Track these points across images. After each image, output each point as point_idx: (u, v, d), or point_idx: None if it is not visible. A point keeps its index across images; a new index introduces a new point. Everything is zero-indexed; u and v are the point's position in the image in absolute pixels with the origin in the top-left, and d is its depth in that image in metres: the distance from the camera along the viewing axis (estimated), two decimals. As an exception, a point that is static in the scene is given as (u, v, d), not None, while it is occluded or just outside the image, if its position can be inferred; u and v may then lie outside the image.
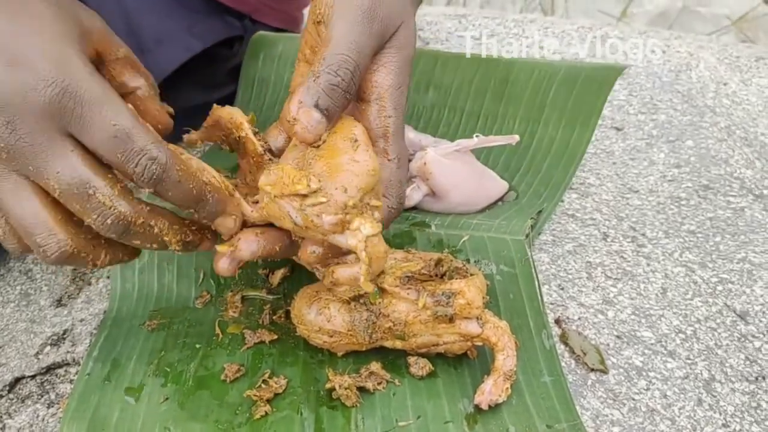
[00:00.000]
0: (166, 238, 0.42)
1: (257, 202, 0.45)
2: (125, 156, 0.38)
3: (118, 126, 0.38)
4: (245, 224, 0.46)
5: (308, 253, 0.45)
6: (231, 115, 0.48)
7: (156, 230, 0.41)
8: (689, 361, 0.52)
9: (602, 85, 0.68)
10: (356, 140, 0.43)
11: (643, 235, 0.62)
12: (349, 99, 0.44)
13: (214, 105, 0.51)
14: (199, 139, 0.51)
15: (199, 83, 0.71)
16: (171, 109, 0.50)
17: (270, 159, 0.48)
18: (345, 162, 0.42)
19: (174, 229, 0.42)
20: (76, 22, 0.42)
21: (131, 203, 0.40)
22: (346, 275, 0.45)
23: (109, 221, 0.40)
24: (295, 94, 0.43)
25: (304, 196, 0.41)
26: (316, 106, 0.42)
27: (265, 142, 0.48)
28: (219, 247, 0.46)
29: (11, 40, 0.38)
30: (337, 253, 0.45)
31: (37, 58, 0.38)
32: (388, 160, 0.46)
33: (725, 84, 0.82)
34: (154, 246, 0.42)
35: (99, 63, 0.45)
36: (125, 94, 0.47)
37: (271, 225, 0.46)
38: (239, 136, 0.48)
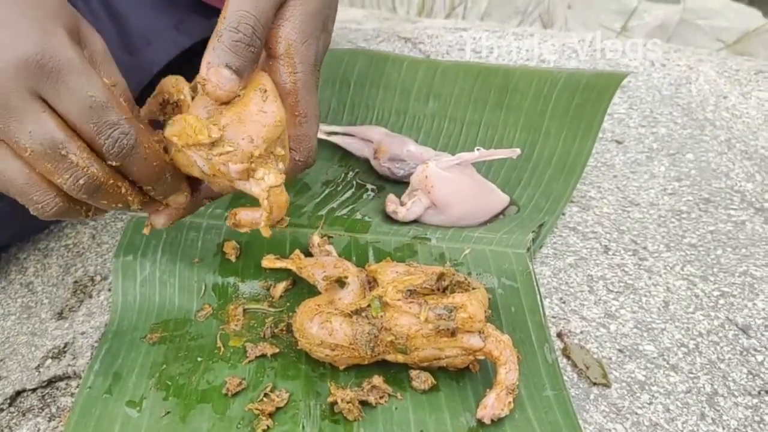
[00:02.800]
0: (129, 198, 0.44)
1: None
2: (98, 127, 0.40)
3: (94, 97, 0.39)
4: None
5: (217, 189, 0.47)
6: (176, 80, 0.48)
7: (123, 191, 0.43)
8: (692, 375, 0.51)
9: (603, 93, 0.69)
10: (266, 91, 0.44)
11: (645, 248, 0.62)
12: (255, 53, 0.44)
13: (162, 79, 0.50)
14: (147, 112, 0.50)
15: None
16: None
17: None
18: (254, 112, 0.44)
19: (137, 190, 0.44)
20: (73, 17, 0.42)
21: (101, 164, 0.41)
22: (248, 219, 0.46)
23: (81, 182, 0.41)
24: (204, 56, 0.44)
25: (211, 145, 0.42)
26: (225, 64, 0.43)
27: None
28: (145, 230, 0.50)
29: (1, 5, 0.39)
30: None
31: (19, 22, 0.39)
32: (296, 115, 0.47)
33: (725, 97, 0.83)
34: (119, 206, 0.44)
35: None
36: None
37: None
38: (178, 99, 0.48)
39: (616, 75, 0.71)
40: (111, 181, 0.42)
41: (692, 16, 1.99)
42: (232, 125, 0.43)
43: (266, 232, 0.45)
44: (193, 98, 0.48)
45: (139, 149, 0.41)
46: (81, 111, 0.39)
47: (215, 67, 0.43)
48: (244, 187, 0.44)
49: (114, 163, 0.41)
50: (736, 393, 0.51)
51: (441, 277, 0.48)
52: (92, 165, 0.41)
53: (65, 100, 0.39)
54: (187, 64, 0.67)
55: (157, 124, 0.49)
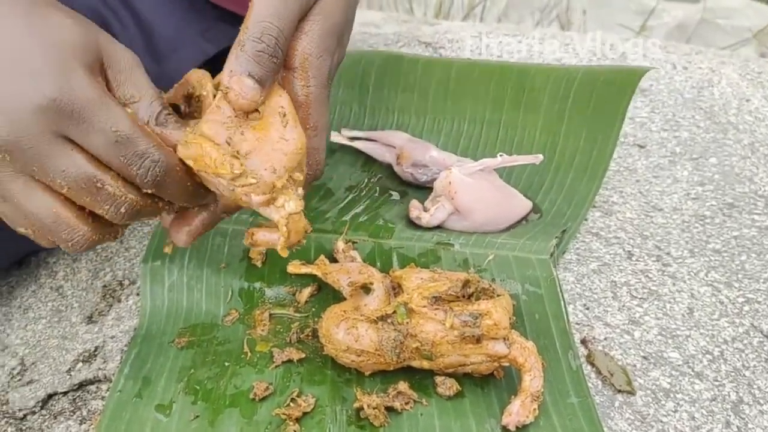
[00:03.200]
0: (167, 209, 0.45)
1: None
2: (127, 159, 0.40)
3: (118, 132, 0.40)
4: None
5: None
6: (202, 75, 0.48)
7: (160, 205, 0.44)
8: (717, 383, 0.51)
9: (623, 90, 0.68)
10: (285, 114, 0.44)
11: (668, 254, 0.62)
12: (277, 64, 0.44)
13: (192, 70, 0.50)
14: (169, 98, 0.49)
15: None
16: None
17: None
18: (275, 139, 0.44)
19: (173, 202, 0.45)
20: (93, 46, 0.42)
21: (138, 190, 0.42)
22: (265, 239, 0.48)
23: (123, 210, 0.42)
24: (226, 64, 0.44)
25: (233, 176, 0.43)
26: (247, 74, 0.43)
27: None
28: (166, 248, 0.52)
29: (21, 48, 0.40)
30: None
31: (36, 64, 0.39)
32: (307, 128, 0.47)
33: (748, 100, 0.82)
34: (156, 217, 0.47)
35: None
36: None
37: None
38: (200, 95, 0.48)
39: (636, 71, 0.70)
40: (149, 202, 0.43)
41: (712, 15, 1.97)
42: (253, 154, 0.43)
43: (284, 253, 0.46)
44: (214, 96, 0.47)
45: (172, 173, 0.42)
46: (108, 147, 0.40)
47: (238, 76, 0.43)
48: (264, 212, 0.45)
49: (149, 191, 0.42)
50: (761, 401, 0.51)
51: (466, 284, 0.48)
52: (130, 192, 0.42)
53: (91, 139, 0.40)
54: (214, 71, 0.68)
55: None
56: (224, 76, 0.44)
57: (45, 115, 0.39)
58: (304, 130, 0.47)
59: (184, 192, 0.43)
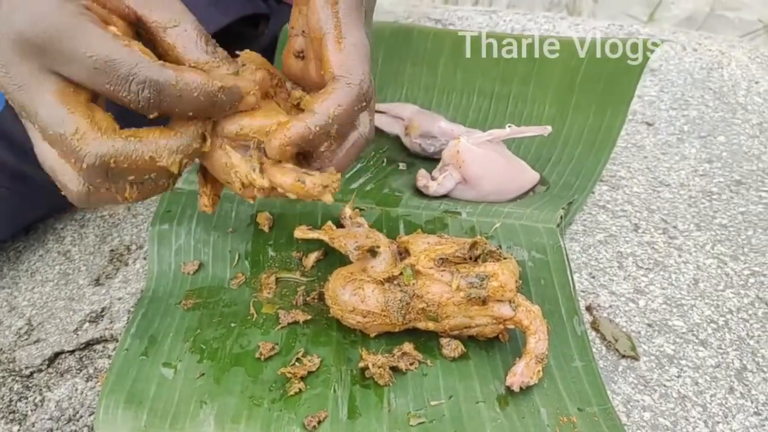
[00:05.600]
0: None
1: None
2: (113, 86, 0.36)
3: (94, 56, 0.35)
4: None
5: None
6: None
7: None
8: (721, 351, 0.52)
9: (633, 65, 0.68)
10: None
11: (675, 227, 0.62)
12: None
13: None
14: None
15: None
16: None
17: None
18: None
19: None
20: None
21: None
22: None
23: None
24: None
25: None
26: None
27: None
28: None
29: None
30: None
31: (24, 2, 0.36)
32: (339, 42, 0.43)
33: (757, 82, 0.82)
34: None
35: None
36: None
37: None
38: None
39: (646, 46, 0.69)
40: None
41: (721, 7, 1.96)
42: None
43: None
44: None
45: (168, 90, 0.36)
46: (90, 76, 0.36)
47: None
48: None
49: (152, 116, 0.37)
50: (765, 369, 0.51)
51: (473, 245, 0.48)
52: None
53: (72, 71, 0.36)
54: (225, 41, 0.68)
55: None
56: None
57: (23, 50, 0.35)
58: (338, 45, 0.43)
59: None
